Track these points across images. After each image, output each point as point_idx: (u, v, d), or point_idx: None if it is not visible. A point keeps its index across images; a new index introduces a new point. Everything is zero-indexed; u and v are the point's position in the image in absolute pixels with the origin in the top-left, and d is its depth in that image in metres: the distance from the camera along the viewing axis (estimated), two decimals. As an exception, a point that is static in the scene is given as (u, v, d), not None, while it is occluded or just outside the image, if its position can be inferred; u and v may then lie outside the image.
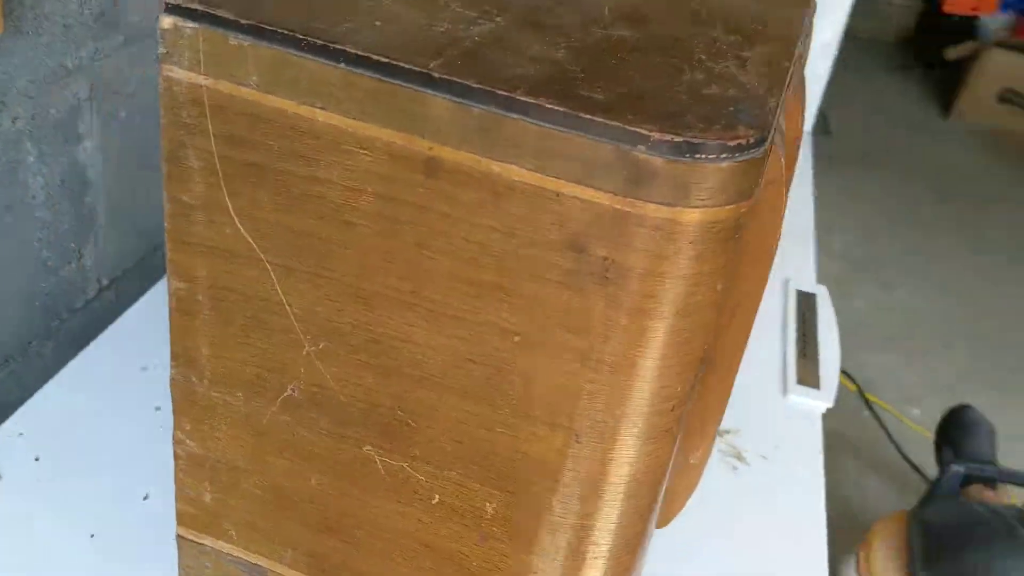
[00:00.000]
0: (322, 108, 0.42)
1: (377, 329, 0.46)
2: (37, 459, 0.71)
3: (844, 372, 2.16)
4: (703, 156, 0.39)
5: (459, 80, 0.40)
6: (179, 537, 0.56)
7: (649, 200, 0.39)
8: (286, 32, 0.41)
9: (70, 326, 0.86)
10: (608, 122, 0.39)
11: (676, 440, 0.48)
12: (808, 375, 0.92)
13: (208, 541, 0.55)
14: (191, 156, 0.45)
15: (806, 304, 1.02)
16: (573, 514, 0.48)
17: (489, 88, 0.40)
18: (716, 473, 0.79)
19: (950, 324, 2.50)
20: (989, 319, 2.55)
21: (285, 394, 0.50)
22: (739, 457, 0.79)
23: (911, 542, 1.30)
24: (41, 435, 0.73)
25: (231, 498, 0.54)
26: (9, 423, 0.74)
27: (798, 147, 0.58)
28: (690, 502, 0.60)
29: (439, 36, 0.43)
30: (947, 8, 3.40)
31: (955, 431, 1.66)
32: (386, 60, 0.41)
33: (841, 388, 2.39)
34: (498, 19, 0.45)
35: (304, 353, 0.48)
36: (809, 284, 1.06)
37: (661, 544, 0.64)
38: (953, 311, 2.56)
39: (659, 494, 0.50)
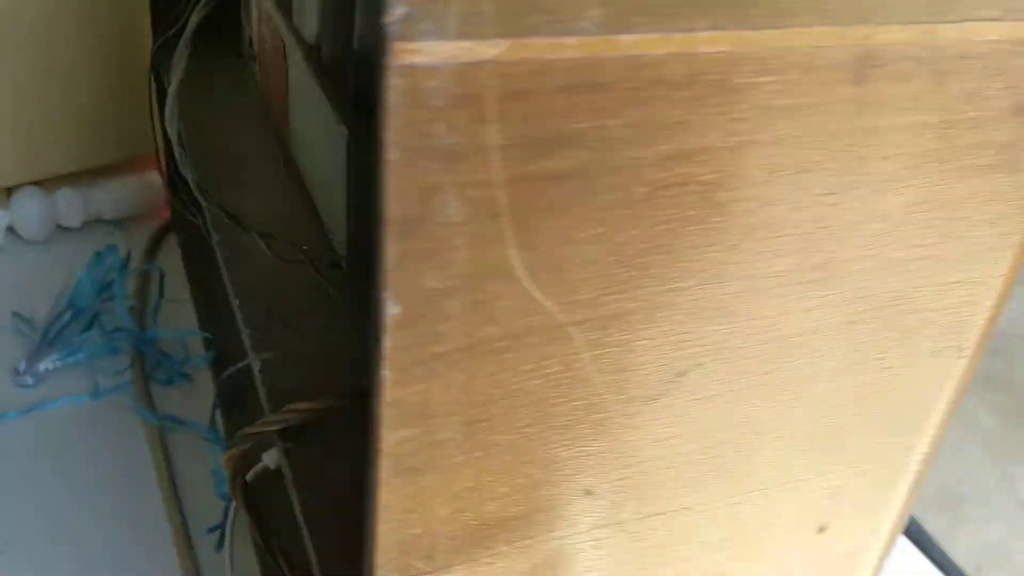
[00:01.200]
0: (711, 29, 0.24)
1: (762, 336, 0.30)
2: None
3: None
4: None
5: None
6: None
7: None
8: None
9: None
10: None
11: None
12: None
13: None
14: (450, 206, 0.23)
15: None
16: (918, 438, 0.38)
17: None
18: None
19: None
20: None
21: (589, 510, 0.31)
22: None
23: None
24: None
25: None
26: None
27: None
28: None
29: None
30: None
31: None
32: (822, -90, 0.23)
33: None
34: None
35: (632, 426, 0.30)
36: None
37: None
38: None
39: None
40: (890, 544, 0.42)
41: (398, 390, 0.26)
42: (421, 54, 0.21)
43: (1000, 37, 0.27)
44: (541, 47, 0.22)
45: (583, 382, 0.29)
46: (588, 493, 0.31)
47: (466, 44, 0.21)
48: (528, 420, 0.29)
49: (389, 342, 0.25)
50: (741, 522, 0.36)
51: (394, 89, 0.21)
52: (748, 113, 0.26)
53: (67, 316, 0.76)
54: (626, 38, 0.23)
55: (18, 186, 0.83)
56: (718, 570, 0.37)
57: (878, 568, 0.43)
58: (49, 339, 0.74)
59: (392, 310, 0.24)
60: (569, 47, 0.22)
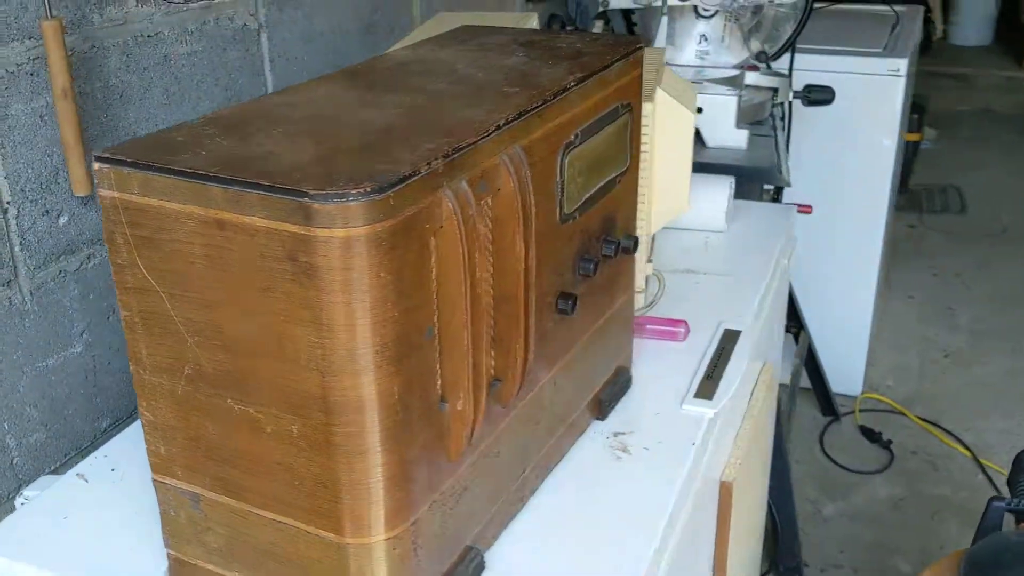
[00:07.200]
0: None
1: (219, 324, 0.68)
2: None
3: (956, 437, 2.41)
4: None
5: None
6: (153, 480, 0.78)
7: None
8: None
9: None
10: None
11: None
12: (706, 390, 1.09)
13: (168, 480, 0.78)
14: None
15: (729, 338, 1.20)
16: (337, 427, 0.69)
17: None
18: (601, 458, 0.99)
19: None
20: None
21: (185, 373, 0.76)
22: (624, 450, 1.00)
23: (958, 579, 1.30)
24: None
25: (173, 448, 0.75)
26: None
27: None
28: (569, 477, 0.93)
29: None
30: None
31: (1018, 471, 1.49)
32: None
33: (955, 453, 2.44)
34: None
35: (189, 345, 0.70)
36: (738, 323, 1.23)
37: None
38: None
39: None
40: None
41: (120, 297, 0.80)
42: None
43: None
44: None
45: (172, 319, 0.75)
46: (188, 371, 0.75)
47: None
48: (160, 326, 0.75)
49: (116, 278, 0.80)
50: (255, 423, 0.71)
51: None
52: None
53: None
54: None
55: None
56: (257, 448, 0.72)
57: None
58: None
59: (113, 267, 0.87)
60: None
